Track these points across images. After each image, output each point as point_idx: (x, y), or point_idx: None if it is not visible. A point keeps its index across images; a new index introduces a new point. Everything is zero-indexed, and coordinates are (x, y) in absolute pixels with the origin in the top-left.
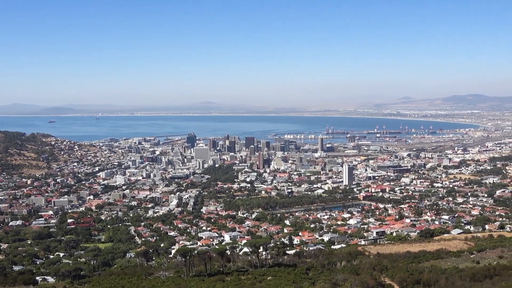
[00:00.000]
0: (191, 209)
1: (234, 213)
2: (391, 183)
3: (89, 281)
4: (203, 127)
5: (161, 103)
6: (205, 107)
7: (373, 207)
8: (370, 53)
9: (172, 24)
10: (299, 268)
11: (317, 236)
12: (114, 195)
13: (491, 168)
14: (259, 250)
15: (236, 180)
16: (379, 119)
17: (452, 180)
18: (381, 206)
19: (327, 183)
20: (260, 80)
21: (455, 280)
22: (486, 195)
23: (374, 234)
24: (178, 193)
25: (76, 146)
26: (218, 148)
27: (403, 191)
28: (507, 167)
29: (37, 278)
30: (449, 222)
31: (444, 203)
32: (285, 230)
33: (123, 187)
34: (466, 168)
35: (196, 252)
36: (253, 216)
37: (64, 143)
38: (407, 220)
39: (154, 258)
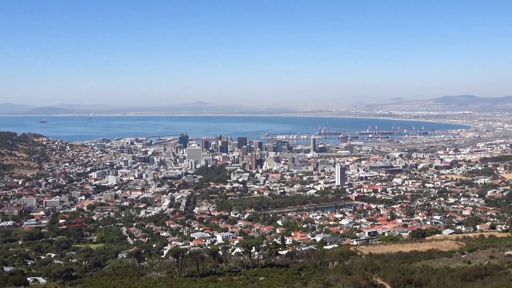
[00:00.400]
0: (183, 209)
1: (227, 214)
2: (383, 184)
3: (81, 281)
4: (195, 127)
5: (154, 103)
6: (197, 107)
7: (365, 208)
8: (362, 54)
9: (165, 24)
10: (291, 269)
11: (309, 237)
12: (106, 195)
13: (482, 168)
14: (252, 251)
15: (228, 180)
16: (371, 120)
17: (443, 181)
18: (373, 206)
19: (320, 183)
20: (252, 81)
21: (447, 280)
22: (477, 196)
23: (366, 234)
24: (170, 193)
25: (67, 146)
26: (210, 149)
27: (395, 191)
28: (498, 168)
29: (28, 279)
30: (441, 222)
31: (436, 203)
32: (278, 231)
33: (115, 188)
34: (458, 169)
35: (188, 252)
36: (246, 216)
37: (56, 143)
38: (399, 221)
39: (146, 259)
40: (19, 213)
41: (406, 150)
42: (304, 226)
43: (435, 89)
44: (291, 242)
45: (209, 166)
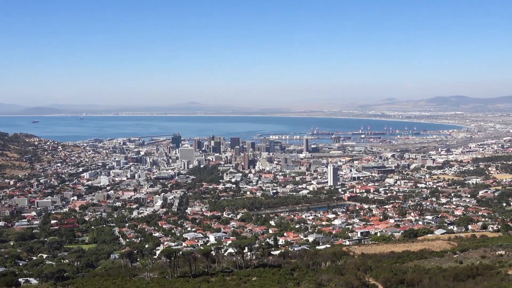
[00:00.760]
0: (176, 209)
1: (219, 214)
2: (376, 184)
3: (73, 282)
4: (188, 127)
5: (146, 103)
6: (190, 108)
7: (357, 208)
8: (355, 55)
9: (158, 25)
10: (284, 269)
11: (302, 237)
12: (98, 196)
13: (474, 168)
14: (244, 251)
15: (221, 180)
16: (363, 120)
17: (435, 181)
18: (366, 206)
19: (312, 183)
20: (245, 81)
21: (439, 280)
22: (469, 196)
23: (359, 235)
24: (163, 193)
25: (59, 147)
26: (203, 149)
27: (387, 191)
28: (489, 168)
29: (20, 279)
30: (433, 223)
31: (428, 203)
32: (270, 231)
33: (107, 188)
34: (450, 169)
35: (180, 253)
36: (238, 216)
37: (48, 143)
38: (391, 221)
39: (138, 259)
40: (10, 213)
41: (398, 150)
42: (297, 226)
43: (427, 90)
44: (283, 242)
45: (201, 166)
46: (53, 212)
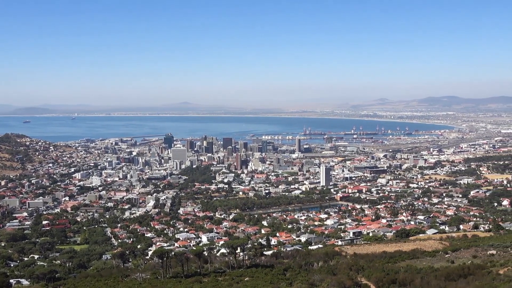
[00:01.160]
0: (168, 210)
1: (212, 214)
2: (368, 184)
3: (64, 283)
4: (180, 127)
5: (138, 103)
6: (182, 108)
7: (350, 208)
8: (347, 55)
9: (150, 25)
10: (276, 269)
11: (294, 237)
12: (90, 196)
13: (466, 169)
14: (237, 251)
15: (213, 181)
16: (356, 120)
17: (427, 181)
18: (358, 206)
19: (305, 183)
20: (237, 81)
21: (430, 279)
22: (460, 196)
23: (351, 235)
24: (155, 194)
25: (51, 147)
26: (195, 149)
27: (379, 191)
28: (481, 168)
29: (11, 280)
30: (425, 222)
31: (420, 203)
32: (263, 231)
33: (99, 188)
34: (441, 169)
35: (173, 253)
36: (231, 217)
37: (39, 143)
38: (383, 221)
39: (130, 260)
40: (1, 214)
41: (390, 150)
42: (289, 226)
43: (419, 90)
44: (276, 243)
45: (194, 166)
46: (44, 212)
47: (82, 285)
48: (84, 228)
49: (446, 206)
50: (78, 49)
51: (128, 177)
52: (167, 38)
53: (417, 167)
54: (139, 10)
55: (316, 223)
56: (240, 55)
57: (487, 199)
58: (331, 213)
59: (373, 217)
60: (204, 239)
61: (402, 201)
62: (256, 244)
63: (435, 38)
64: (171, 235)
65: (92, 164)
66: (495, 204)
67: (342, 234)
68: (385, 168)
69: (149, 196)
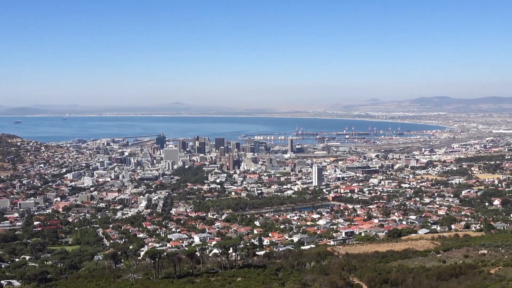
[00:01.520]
0: (160, 210)
1: (204, 215)
2: (360, 184)
3: (56, 284)
4: (172, 128)
5: (130, 103)
6: (174, 108)
7: (342, 208)
8: (339, 56)
9: (141, 25)
10: (268, 269)
11: (286, 237)
12: (81, 196)
13: (457, 169)
14: (229, 251)
15: (206, 181)
16: (348, 121)
17: (419, 181)
18: (350, 206)
19: (297, 184)
20: (230, 82)
21: (422, 279)
22: (452, 196)
23: (343, 235)
24: (147, 194)
25: (42, 147)
26: (187, 149)
27: (371, 191)
28: (472, 168)
29: (2, 281)
30: (416, 222)
31: (412, 203)
32: (255, 231)
33: (91, 189)
34: (433, 169)
35: (165, 253)
36: (223, 217)
37: (30, 144)
38: (376, 221)
39: (122, 261)
40: None
41: (382, 150)
42: (282, 226)
43: (410, 90)
44: (268, 243)
45: (186, 167)
46: (36, 213)
47: (73, 286)
48: (76, 228)
49: (437, 206)
50: (70, 49)
51: (120, 177)
52: (159, 39)
53: (409, 167)
54: (130, 11)
55: (308, 223)
56: (232, 55)
57: (479, 199)
58: (323, 213)
59: (365, 217)
60: (197, 239)
61: (394, 201)
62: (248, 244)
63: (426, 39)
64: (163, 235)
65: (84, 165)
66: (486, 204)
67: (334, 234)
68: (377, 168)
69: (141, 196)
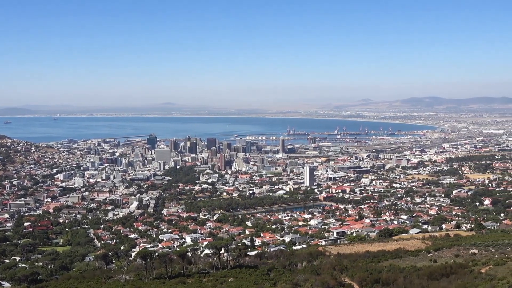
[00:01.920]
0: (151, 211)
1: (196, 215)
2: (351, 184)
3: (47, 285)
4: (164, 128)
5: (121, 104)
6: (166, 108)
7: (333, 208)
8: (330, 56)
9: (132, 24)
10: (260, 269)
11: (278, 237)
12: (72, 197)
13: (448, 168)
14: (221, 252)
15: (197, 181)
16: (339, 121)
17: (410, 181)
18: (342, 206)
19: (289, 184)
20: (221, 82)
21: (413, 278)
22: (443, 195)
23: (335, 235)
24: (138, 195)
25: (33, 148)
26: (179, 150)
27: (363, 191)
28: (463, 168)
29: None
30: (408, 222)
31: (403, 203)
32: (247, 231)
33: (82, 189)
34: (424, 169)
35: (156, 254)
36: (215, 217)
37: (21, 144)
38: (367, 220)
39: (113, 261)
40: None
41: (373, 150)
42: (273, 226)
43: (402, 91)
44: (260, 243)
45: (178, 167)
46: (26, 214)
47: (64, 287)
48: (67, 229)
49: (428, 206)
50: (60, 49)
51: (111, 178)
52: (150, 39)
53: (400, 167)
54: (121, 11)
55: (300, 223)
56: (224, 56)
57: (469, 199)
58: (315, 213)
59: (357, 217)
60: (188, 240)
61: (385, 201)
62: (240, 244)
63: (417, 40)
64: (154, 236)
65: (75, 165)
66: (477, 203)
67: (326, 234)
68: (369, 168)
69: (133, 197)
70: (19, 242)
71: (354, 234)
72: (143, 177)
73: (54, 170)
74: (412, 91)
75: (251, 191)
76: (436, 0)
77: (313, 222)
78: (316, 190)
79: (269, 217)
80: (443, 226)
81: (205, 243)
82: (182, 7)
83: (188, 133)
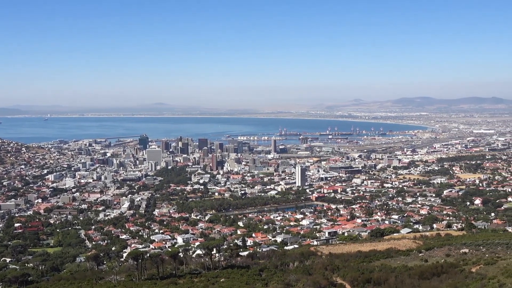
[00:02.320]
0: (143, 211)
1: (187, 215)
2: (343, 184)
3: (37, 286)
4: (155, 128)
5: (112, 104)
6: (157, 108)
7: (325, 208)
8: (322, 56)
9: (123, 24)
10: (252, 270)
11: (270, 237)
12: (63, 198)
13: (439, 168)
14: (212, 252)
15: (189, 182)
16: (331, 121)
17: (401, 181)
18: (333, 206)
19: (280, 184)
20: (213, 82)
21: (404, 278)
22: (434, 195)
23: (326, 235)
24: (130, 195)
25: (23, 148)
26: (171, 150)
27: (354, 191)
28: (454, 168)
29: None
30: (399, 222)
31: (394, 203)
32: (239, 232)
33: (73, 190)
34: (415, 169)
35: (148, 255)
36: (207, 218)
37: (11, 145)
38: (358, 220)
39: (105, 262)
40: None
41: (365, 150)
42: (265, 227)
43: (393, 91)
44: (252, 243)
45: (169, 167)
46: (16, 215)
47: None
48: (58, 230)
49: (419, 206)
50: (51, 50)
51: (102, 178)
52: (141, 39)
53: (392, 167)
54: (112, 12)
55: (291, 223)
56: (215, 56)
57: (460, 198)
58: (306, 213)
59: (348, 217)
60: (180, 240)
61: (376, 201)
62: (232, 245)
63: (408, 40)
64: (146, 236)
65: (66, 166)
66: (468, 203)
67: (317, 234)
68: (360, 168)
69: (124, 197)
70: (9, 243)
71: (346, 234)
72: (134, 178)
73: (45, 171)
74: (403, 91)
75: (243, 192)
76: (427, 0)
77: (304, 222)
78: (307, 190)
79: (261, 217)
80: (434, 225)
81: (197, 243)
82: (172, 8)
83: (180, 134)
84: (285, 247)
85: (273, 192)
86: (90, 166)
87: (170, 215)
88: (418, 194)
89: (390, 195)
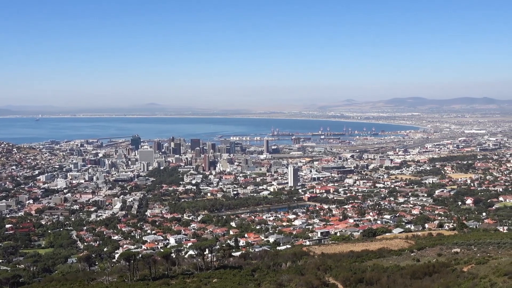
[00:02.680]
0: (135, 212)
1: (180, 216)
2: (335, 184)
3: None
4: (147, 129)
5: (104, 104)
6: (149, 109)
7: (317, 208)
8: (314, 57)
9: (115, 25)
10: (244, 270)
11: (262, 238)
12: (55, 199)
13: (431, 168)
14: (205, 253)
15: (181, 182)
16: (323, 121)
17: (393, 181)
18: (326, 206)
19: (273, 184)
20: (205, 82)
21: (396, 277)
22: (426, 195)
23: (319, 235)
24: (122, 196)
25: (14, 149)
26: (163, 150)
27: (346, 191)
28: (445, 168)
29: None
30: (391, 222)
31: (386, 203)
32: (231, 232)
33: (65, 191)
34: (407, 169)
35: (140, 256)
36: (199, 218)
37: (2, 145)
38: (351, 220)
39: (97, 263)
40: None
41: (357, 151)
42: (258, 227)
43: (385, 91)
44: (244, 244)
45: (161, 168)
46: (8, 216)
47: None
48: (49, 231)
49: (411, 206)
50: (42, 49)
51: (94, 179)
52: (133, 39)
53: (384, 167)
54: (104, 13)
55: (284, 223)
56: (208, 56)
57: (452, 198)
58: (299, 213)
59: (341, 217)
60: (172, 241)
61: (369, 201)
62: (224, 245)
63: (400, 40)
64: (138, 237)
65: (57, 166)
66: (459, 203)
67: (310, 234)
68: (352, 168)
69: (116, 198)
70: (0, 244)
71: (338, 234)
72: (126, 178)
73: (36, 172)
74: (395, 91)
75: (235, 192)
76: (418, 1)
77: (297, 222)
78: (300, 191)
79: (253, 217)
80: (426, 225)
81: (189, 244)
82: (165, 8)
83: (172, 134)
84: (278, 247)
85: (265, 193)
86: (82, 167)
87: (163, 216)
88: (410, 194)
89: (382, 195)
